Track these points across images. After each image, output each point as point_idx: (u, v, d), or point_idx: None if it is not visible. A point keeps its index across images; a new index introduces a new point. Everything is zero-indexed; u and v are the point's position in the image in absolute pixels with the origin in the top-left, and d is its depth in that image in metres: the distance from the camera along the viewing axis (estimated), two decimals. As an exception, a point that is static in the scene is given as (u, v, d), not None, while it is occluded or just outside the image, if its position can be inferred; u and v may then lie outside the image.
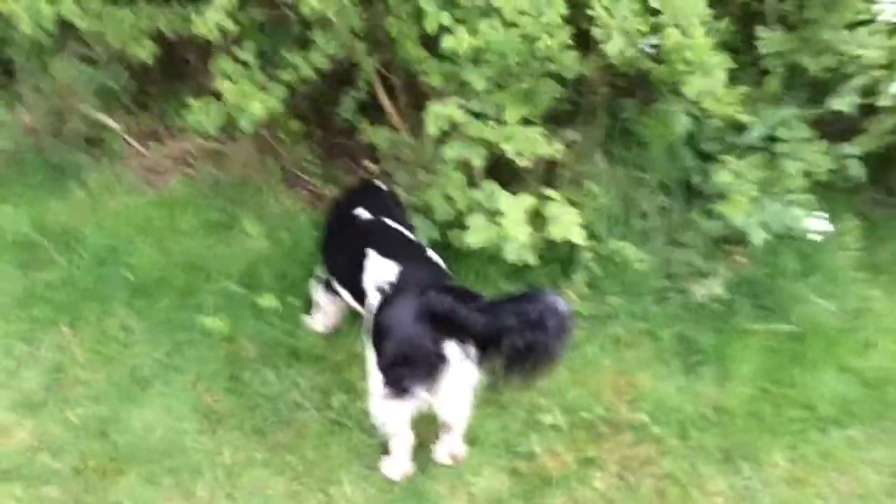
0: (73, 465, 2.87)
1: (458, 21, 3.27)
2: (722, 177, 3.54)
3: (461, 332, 2.59)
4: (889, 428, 3.36)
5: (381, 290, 2.77)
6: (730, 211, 3.50)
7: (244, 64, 3.76)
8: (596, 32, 2.95)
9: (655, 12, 2.94)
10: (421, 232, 3.59)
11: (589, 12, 2.91)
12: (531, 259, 3.43)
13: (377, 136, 3.84)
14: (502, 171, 3.89)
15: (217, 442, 3.01)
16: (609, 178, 3.92)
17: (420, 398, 2.70)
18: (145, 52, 3.83)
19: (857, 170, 3.74)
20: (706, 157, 3.83)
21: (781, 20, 3.62)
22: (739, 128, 3.68)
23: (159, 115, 4.62)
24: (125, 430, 3.02)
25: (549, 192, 3.47)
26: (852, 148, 3.72)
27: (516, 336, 2.50)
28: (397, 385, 2.66)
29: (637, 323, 3.67)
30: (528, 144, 3.24)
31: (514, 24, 3.05)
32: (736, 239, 3.82)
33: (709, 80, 2.97)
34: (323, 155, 4.52)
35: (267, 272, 3.66)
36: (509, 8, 3.07)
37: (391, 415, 2.76)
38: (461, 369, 2.69)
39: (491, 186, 3.46)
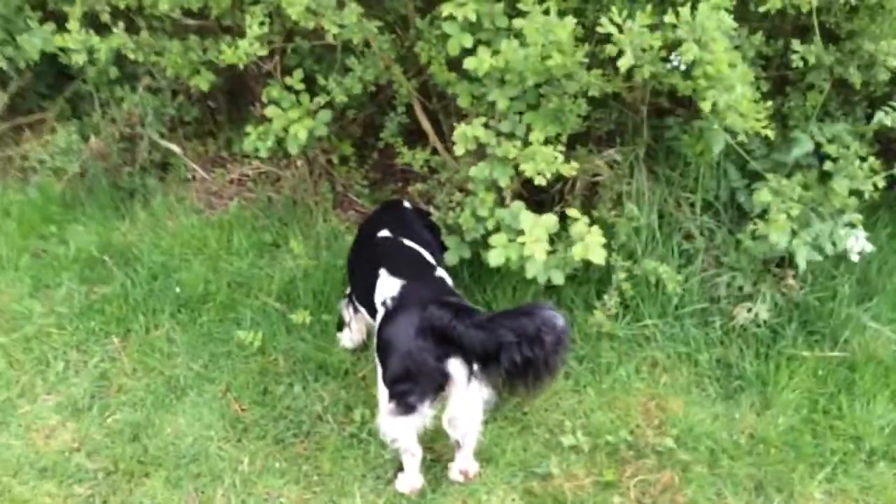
0: (104, 466, 3.03)
1: (483, 43, 3.34)
2: (762, 196, 3.41)
3: (461, 348, 2.59)
4: (950, 465, 3.12)
5: (384, 304, 2.81)
6: (770, 231, 3.35)
7: (294, 91, 3.94)
8: (610, 49, 2.92)
9: (675, 27, 2.88)
10: (453, 251, 3.62)
11: (599, 29, 2.89)
12: (558, 278, 3.39)
13: (414, 157, 3.91)
14: (544, 192, 3.91)
15: (240, 450, 3.11)
16: (650, 198, 3.85)
17: (425, 414, 2.72)
18: (204, 81, 4.06)
19: (913, 188, 3.54)
20: (754, 176, 3.70)
21: (829, 33, 3.47)
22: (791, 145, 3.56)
23: (225, 142, 4.87)
24: (157, 435, 3.16)
25: (573, 211, 3.43)
26: (910, 164, 3.52)
27: (514, 351, 2.49)
28: (402, 401, 2.68)
29: (676, 346, 3.56)
30: (546, 164, 3.22)
31: (531, 44, 3.06)
32: (787, 261, 3.67)
33: (730, 95, 2.88)
34: (376, 177, 4.65)
35: (304, 289, 3.77)
36: (530, 29, 3.08)
37: (398, 430, 2.78)
38: (466, 386, 2.69)
39: (517, 206, 3.45)
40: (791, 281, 3.63)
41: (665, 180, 3.91)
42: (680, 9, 2.90)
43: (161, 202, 4.40)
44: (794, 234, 3.35)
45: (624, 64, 2.87)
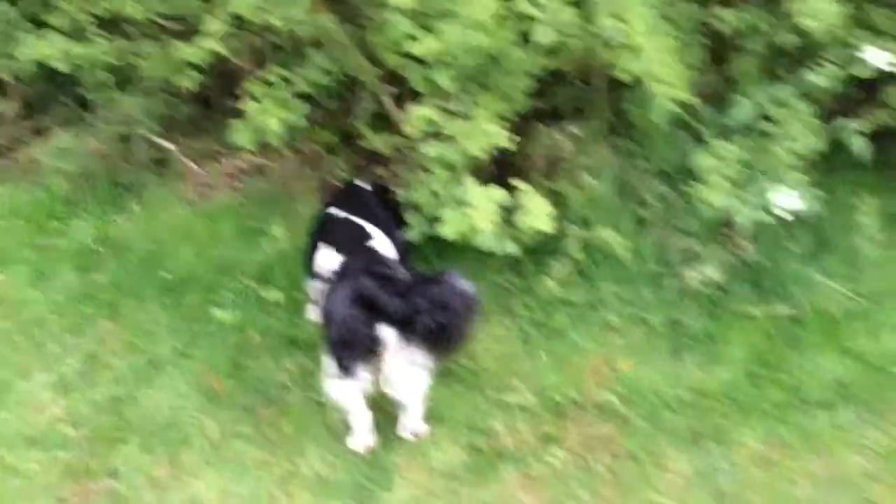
0: (86, 435, 3.31)
1: (425, 27, 3.50)
2: (702, 160, 3.52)
3: (389, 315, 2.79)
4: (885, 411, 3.21)
5: (327, 279, 3.03)
6: (709, 194, 3.46)
7: (271, 84, 4.17)
8: (532, 26, 3.07)
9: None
10: (416, 228, 3.81)
11: (512, 6, 3.04)
12: (512, 248, 3.56)
13: (379, 141, 4.11)
14: (508, 168, 4.08)
15: (211, 418, 3.35)
16: (608, 168, 3.99)
17: (363, 378, 2.92)
18: (189, 80, 4.31)
19: (859, 146, 3.59)
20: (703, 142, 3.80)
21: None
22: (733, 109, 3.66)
23: (220, 137, 5.12)
24: (136, 407, 3.43)
25: (519, 182, 3.58)
26: (854, 124, 3.57)
27: (427, 317, 2.69)
28: (340, 366, 2.90)
29: (628, 309, 3.69)
30: (486, 139, 3.39)
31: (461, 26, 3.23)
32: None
33: (645, 64, 3.00)
34: (362, 163, 4.86)
35: (280, 270, 4.00)
36: (461, 11, 3.25)
37: (342, 393, 3.00)
38: (399, 351, 2.88)
39: (468, 181, 3.62)
40: (742, 242, 3.73)
41: (625, 151, 4.04)
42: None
43: (156, 196, 4.67)
44: (736, 196, 3.45)
45: (542, 39, 3.02)
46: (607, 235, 3.76)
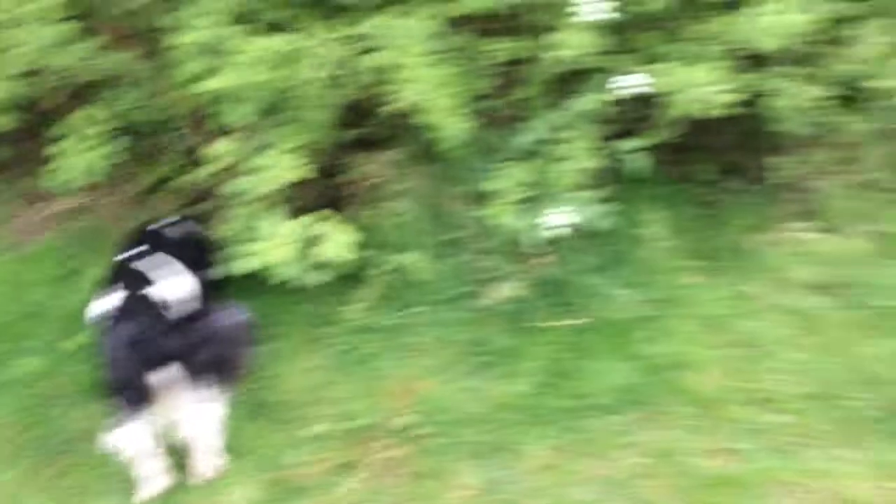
0: None
1: (216, 67, 3.55)
2: (491, 183, 3.68)
3: (162, 355, 2.82)
4: (665, 411, 3.43)
5: (101, 321, 3.03)
6: (498, 216, 3.63)
7: (84, 123, 4.12)
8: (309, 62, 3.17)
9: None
10: (225, 264, 3.82)
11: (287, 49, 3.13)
12: (313, 279, 3.63)
13: (190, 177, 4.13)
14: (328, 197, 4.17)
15: (7, 471, 3.29)
16: (418, 193, 4.12)
17: (143, 422, 2.92)
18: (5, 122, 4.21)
19: (640, 162, 3.82)
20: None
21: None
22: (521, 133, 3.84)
23: (42, 178, 5.02)
24: (-70, 466, 3.34)
25: (328, 212, 3.67)
26: (631, 142, 3.81)
27: (202, 350, 2.73)
28: (118, 411, 2.89)
29: (434, 331, 3.81)
30: (285, 171, 3.46)
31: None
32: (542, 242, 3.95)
33: (415, 94, 3.15)
34: (193, 199, 4.84)
35: (92, 314, 3.96)
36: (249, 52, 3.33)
37: (128, 440, 2.99)
38: (177, 391, 2.90)
39: (269, 214, 3.67)
40: (540, 259, 3.92)
41: (435, 176, 4.18)
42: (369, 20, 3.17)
43: (-25, 242, 4.55)
44: (520, 216, 3.63)
45: (313, 74, 3.12)
46: (414, 259, 3.88)
